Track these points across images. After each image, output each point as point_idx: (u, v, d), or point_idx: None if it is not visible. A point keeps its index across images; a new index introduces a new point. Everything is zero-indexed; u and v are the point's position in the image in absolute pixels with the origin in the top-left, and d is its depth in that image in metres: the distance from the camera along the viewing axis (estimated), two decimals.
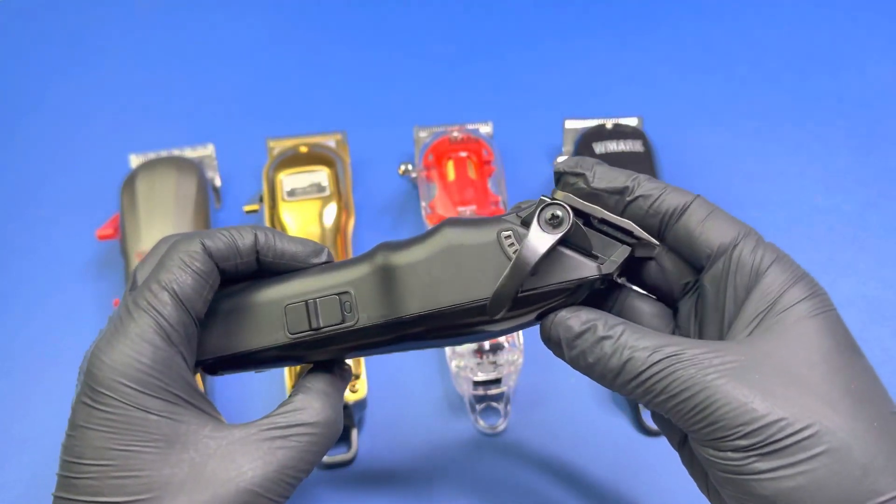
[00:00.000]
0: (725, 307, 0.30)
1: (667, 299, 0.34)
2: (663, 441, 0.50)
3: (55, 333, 0.57)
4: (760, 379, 0.27)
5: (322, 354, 0.34)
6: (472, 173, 0.59)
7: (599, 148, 0.60)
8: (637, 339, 0.29)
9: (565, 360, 0.31)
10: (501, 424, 0.51)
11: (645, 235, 0.31)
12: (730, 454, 0.27)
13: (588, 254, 0.31)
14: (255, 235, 0.33)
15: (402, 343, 0.33)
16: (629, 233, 0.31)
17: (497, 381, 0.51)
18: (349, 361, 0.36)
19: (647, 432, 0.51)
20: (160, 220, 0.56)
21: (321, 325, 0.33)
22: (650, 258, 0.33)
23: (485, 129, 0.63)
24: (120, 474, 0.28)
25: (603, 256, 0.31)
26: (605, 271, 0.31)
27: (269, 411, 0.32)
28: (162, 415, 0.29)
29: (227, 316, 0.34)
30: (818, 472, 0.26)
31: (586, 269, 0.31)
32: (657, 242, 0.31)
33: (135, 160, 0.61)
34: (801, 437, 0.26)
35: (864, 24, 0.76)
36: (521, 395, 0.52)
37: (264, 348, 0.33)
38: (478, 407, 0.52)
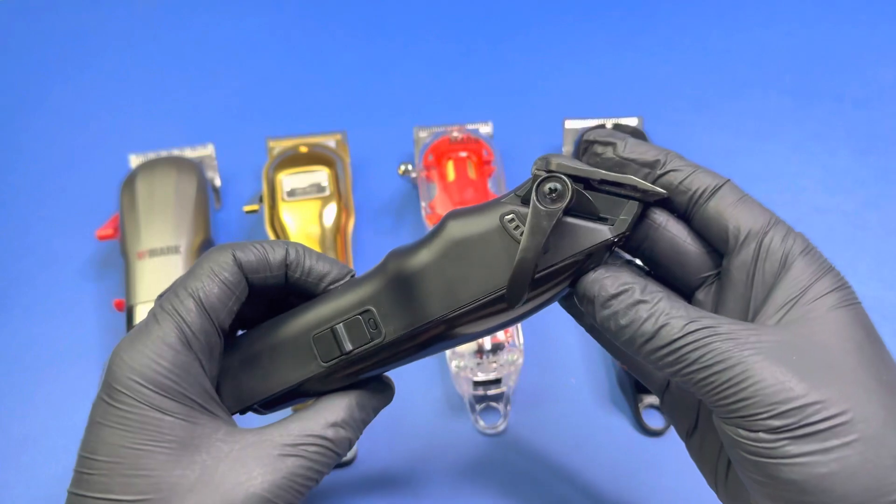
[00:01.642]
0: (753, 294, 0.30)
1: (681, 290, 0.33)
2: (663, 441, 0.50)
3: (55, 333, 0.57)
4: (798, 360, 0.26)
5: (361, 373, 0.33)
6: (472, 173, 0.59)
7: (600, 148, 0.60)
8: (674, 308, 0.28)
9: (595, 320, 0.30)
10: (501, 424, 0.51)
11: (650, 186, 0.30)
12: (761, 434, 0.26)
13: (596, 218, 0.30)
14: (287, 251, 0.33)
15: (434, 346, 0.33)
16: (633, 187, 0.30)
17: (497, 382, 0.51)
18: (389, 375, 0.36)
19: (648, 432, 0.51)
20: (160, 220, 0.55)
21: (351, 348, 0.32)
22: (655, 207, 0.32)
23: (485, 129, 0.63)
24: (131, 472, 0.28)
25: (612, 217, 0.30)
26: (617, 231, 0.30)
27: (281, 416, 0.33)
28: (177, 417, 0.29)
29: (257, 358, 0.33)
30: (850, 460, 0.25)
31: (598, 234, 0.30)
32: (662, 191, 0.30)
33: (134, 160, 0.61)
34: (837, 422, 0.25)
35: (864, 25, 0.76)
36: (521, 396, 0.52)
37: (303, 381, 0.33)
38: (478, 407, 0.51)
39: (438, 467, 0.50)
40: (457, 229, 0.31)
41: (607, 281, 0.29)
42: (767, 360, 0.26)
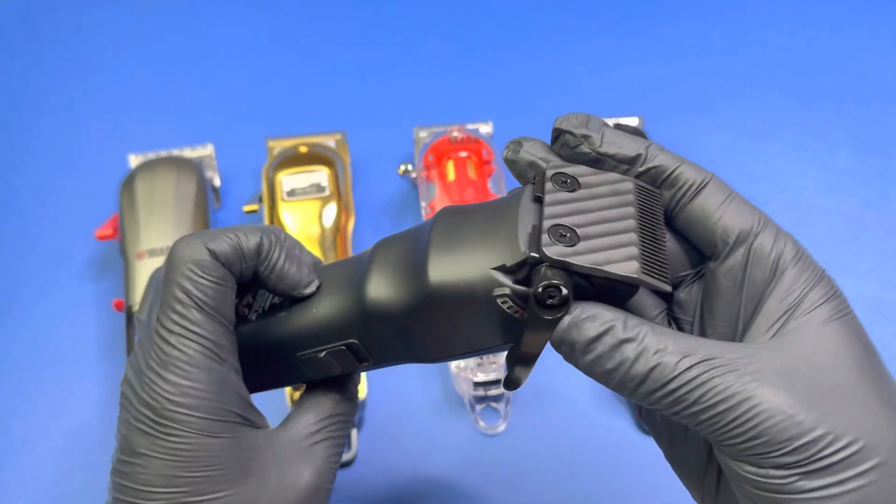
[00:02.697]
0: (742, 303, 0.28)
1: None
2: None
3: (54, 333, 0.57)
4: (802, 387, 0.25)
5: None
6: (472, 173, 0.59)
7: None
8: (663, 342, 0.25)
9: (578, 367, 0.26)
10: (501, 425, 0.51)
11: (658, 285, 0.26)
12: (771, 471, 0.24)
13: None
14: (261, 240, 0.32)
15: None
16: (635, 286, 0.26)
17: (497, 382, 0.51)
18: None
19: (647, 432, 0.51)
20: (159, 220, 0.55)
21: (340, 371, 0.32)
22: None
23: (485, 128, 0.63)
24: (195, 499, 0.29)
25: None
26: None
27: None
28: (225, 437, 0.29)
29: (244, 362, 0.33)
30: (866, 490, 0.24)
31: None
32: (668, 288, 0.26)
33: (134, 160, 0.61)
34: (850, 452, 0.24)
35: (864, 24, 0.76)
36: (521, 396, 0.52)
37: (290, 382, 0.35)
38: (478, 407, 0.51)
39: (438, 468, 0.50)
40: (438, 286, 0.27)
41: (585, 323, 0.25)
42: (773, 391, 0.24)
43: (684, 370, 0.25)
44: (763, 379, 0.25)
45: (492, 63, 0.74)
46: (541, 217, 0.26)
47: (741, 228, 0.28)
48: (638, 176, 0.29)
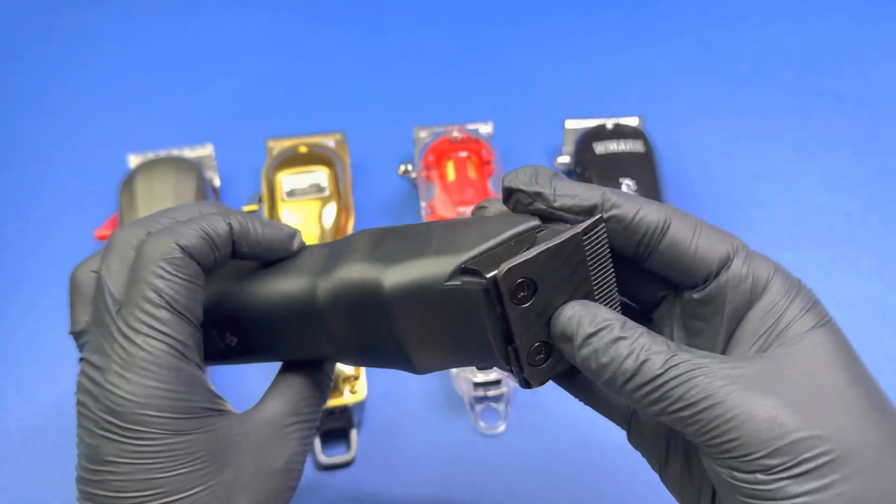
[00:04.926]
0: (724, 324, 0.28)
1: (636, 311, 0.32)
2: None
3: (54, 333, 0.56)
4: (786, 391, 0.25)
5: None
6: (472, 173, 0.59)
7: (600, 148, 0.60)
8: (655, 343, 0.26)
9: (574, 360, 0.28)
10: (501, 425, 0.51)
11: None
12: (758, 475, 0.24)
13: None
14: (230, 224, 0.31)
15: None
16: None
17: (497, 383, 0.51)
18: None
19: None
20: None
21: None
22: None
23: (485, 129, 0.63)
24: (172, 498, 0.28)
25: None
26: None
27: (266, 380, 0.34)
28: (198, 432, 0.29)
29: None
30: (852, 493, 0.24)
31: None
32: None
33: (133, 160, 0.61)
34: (834, 455, 0.24)
35: (864, 24, 0.76)
36: (521, 397, 0.52)
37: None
38: (477, 408, 0.51)
39: (438, 468, 0.50)
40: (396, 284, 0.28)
41: (586, 318, 0.27)
42: (756, 394, 0.25)
43: (671, 367, 0.26)
44: (748, 382, 0.25)
45: (492, 63, 0.74)
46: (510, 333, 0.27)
47: (717, 258, 0.28)
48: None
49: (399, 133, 0.65)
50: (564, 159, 0.62)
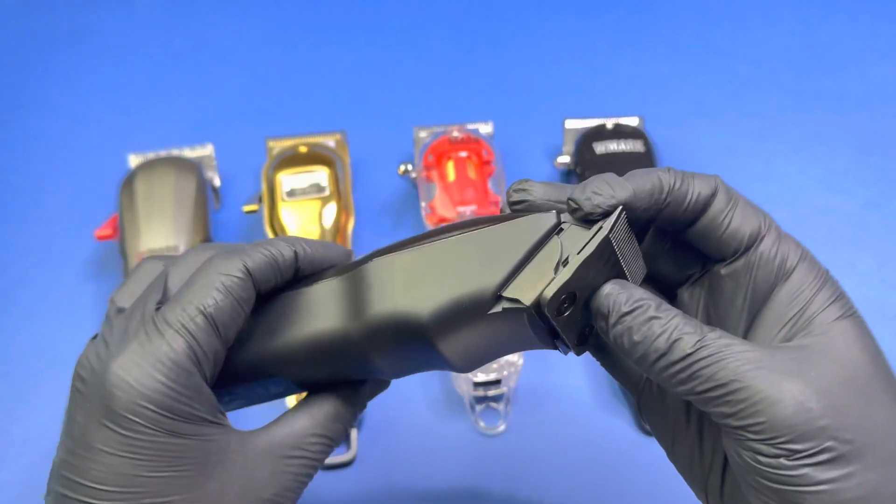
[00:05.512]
0: (746, 304, 0.29)
1: (663, 287, 0.32)
2: None
3: (54, 333, 0.57)
4: (814, 378, 0.25)
5: None
6: (472, 173, 0.59)
7: (600, 148, 0.60)
8: (688, 325, 0.27)
9: (607, 336, 0.28)
10: (501, 425, 0.51)
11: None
12: (781, 460, 0.25)
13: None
14: (295, 252, 0.31)
15: None
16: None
17: (497, 382, 0.51)
18: None
19: (648, 432, 0.50)
20: (159, 220, 0.55)
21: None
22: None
23: (485, 128, 0.63)
24: (153, 500, 0.27)
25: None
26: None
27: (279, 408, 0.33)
28: (193, 438, 0.28)
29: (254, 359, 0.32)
30: (874, 483, 0.24)
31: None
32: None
33: (134, 160, 0.61)
34: (859, 444, 0.24)
35: (864, 24, 0.76)
36: (521, 396, 0.52)
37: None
38: (478, 408, 0.51)
39: (438, 468, 0.50)
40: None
41: (622, 297, 0.28)
42: (784, 378, 0.25)
43: (702, 347, 0.26)
44: (777, 366, 0.26)
45: (492, 63, 0.74)
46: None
47: (748, 233, 0.29)
48: (658, 212, 0.29)
49: (399, 133, 0.65)
50: (564, 159, 0.62)
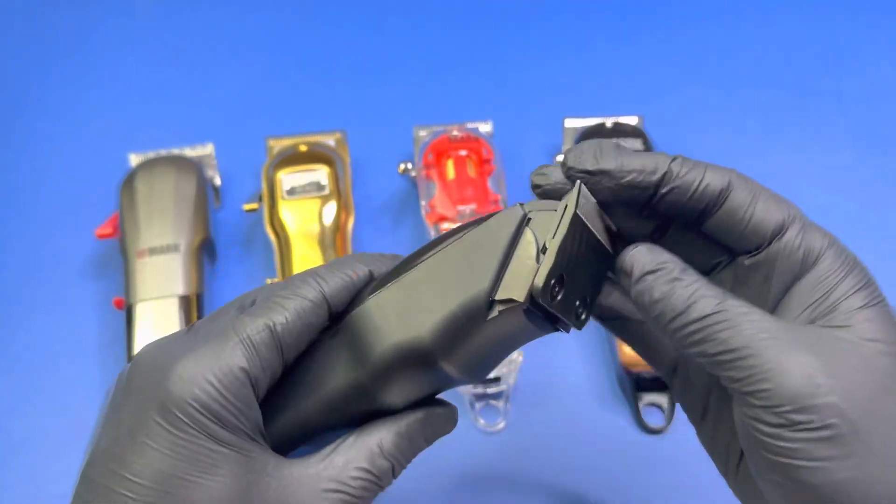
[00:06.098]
0: (770, 295, 0.29)
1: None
2: (663, 440, 0.50)
3: (55, 332, 0.57)
4: (828, 357, 0.25)
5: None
6: (471, 172, 0.59)
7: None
8: (710, 289, 0.27)
9: (629, 293, 0.29)
10: (501, 423, 0.51)
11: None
12: (783, 431, 0.25)
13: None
14: (371, 272, 0.31)
15: None
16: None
17: (496, 380, 0.51)
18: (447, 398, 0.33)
19: (647, 431, 0.51)
20: (159, 218, 0.56)
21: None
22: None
23: (484, 127, 0.63)
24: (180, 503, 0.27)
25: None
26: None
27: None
28: (233, 450, 0.28)
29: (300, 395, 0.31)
30: (872, 467, 0.24)
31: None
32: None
33: (134, 159, 0.61)
34: (865, 428, 0.24)
35: (864, 24, 0.76)
36: (521, 394, 0.52)
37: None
38: (477, 406, 0.51)
39: (437, 465, 0.50)
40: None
41: (648, 257, 0.28)
42: (798, 351, 0.25)
43: (720, 311, 0.26)
44: (793, 340, 0.26)
45: (492, 62, 0.74)
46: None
47: (772, 226, 0.29)
48: (660, 195, 0.29)
49: (399, 132, 0.65)
50: (571, 150, 0.62)
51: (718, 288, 0.27)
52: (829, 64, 0.72)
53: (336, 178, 0.58)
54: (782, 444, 0.25)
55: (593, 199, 0.29)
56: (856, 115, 0.68)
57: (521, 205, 0.28)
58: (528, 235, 0.28)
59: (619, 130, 0.61)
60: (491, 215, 0.29)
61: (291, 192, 0.57)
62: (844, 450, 0.24)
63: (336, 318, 0.31)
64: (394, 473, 0.31)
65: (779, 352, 0.25)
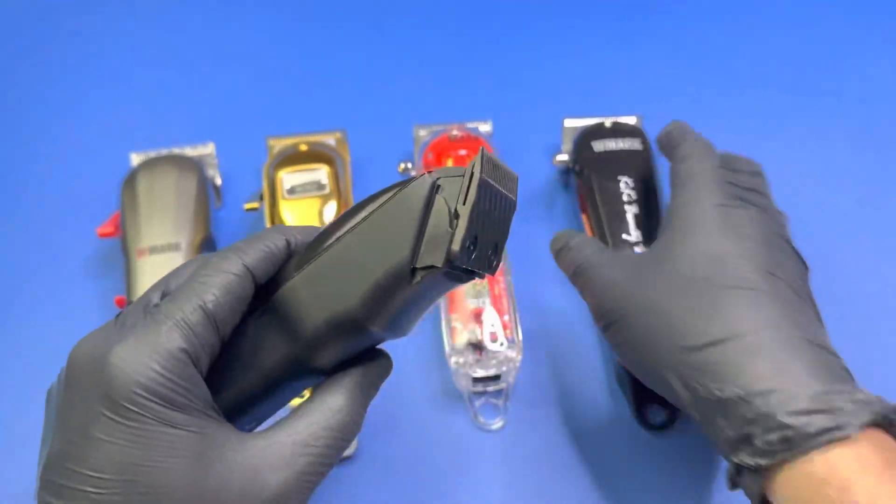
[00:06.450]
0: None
1: None
2: (664, 437, 0.50)
3: (56, 331, 0.56)
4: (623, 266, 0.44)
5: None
6: None
7: (598, 146, 0.60)
8: (586, 250, 0.46)
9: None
10: (500, 421, 0.51)
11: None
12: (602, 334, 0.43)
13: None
14: (287, 241, 0.32)
15: None
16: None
17: (496, 378, 0.51)
18: (385, 348, 0.35)
19: (648, 427, 0.51)
20: (160, 217, 0.56)
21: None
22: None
23: (484, 127, 0.64)
24: (147, 490, 0.27)
25: None
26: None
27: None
28: (190, 430, 0.28)
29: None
30: (634, 332, 0.42)
31: None
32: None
33: (135, 158, 0.61)
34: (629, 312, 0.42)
35: (864, 24, 0.76)
36: (521, 392, 0.53)
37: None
38: (476, 403, 0.52)
39: (437, 463, 0.50)
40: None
41: (558, 242, 0.49)
42: (609, 267, 0.45)
43: (566, 248, 0.47)
44: (609, 261, 0.45)
45: (491, 62, 0.74)
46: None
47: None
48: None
49: (399, 131, 0.66)
50: (563, 157, 0.62)
51: (596, 244, 0.47)
52: (828, 64, 0.73)
53: (336, 178, 0.58)
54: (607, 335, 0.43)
55: (495, 159, 0.30)
56: (855, 115, 0.68)
57: (429, 173, 0.30)
58: (439, 202, 0.29)
59: (619, 130, 0.61)
60: (401, 184, 0.30)
61: (292, 191, 0.57)
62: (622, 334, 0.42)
63: (262, 290, 0.32)
64: (355, 425, 0.32)
65: (598, 268, 0.45)
